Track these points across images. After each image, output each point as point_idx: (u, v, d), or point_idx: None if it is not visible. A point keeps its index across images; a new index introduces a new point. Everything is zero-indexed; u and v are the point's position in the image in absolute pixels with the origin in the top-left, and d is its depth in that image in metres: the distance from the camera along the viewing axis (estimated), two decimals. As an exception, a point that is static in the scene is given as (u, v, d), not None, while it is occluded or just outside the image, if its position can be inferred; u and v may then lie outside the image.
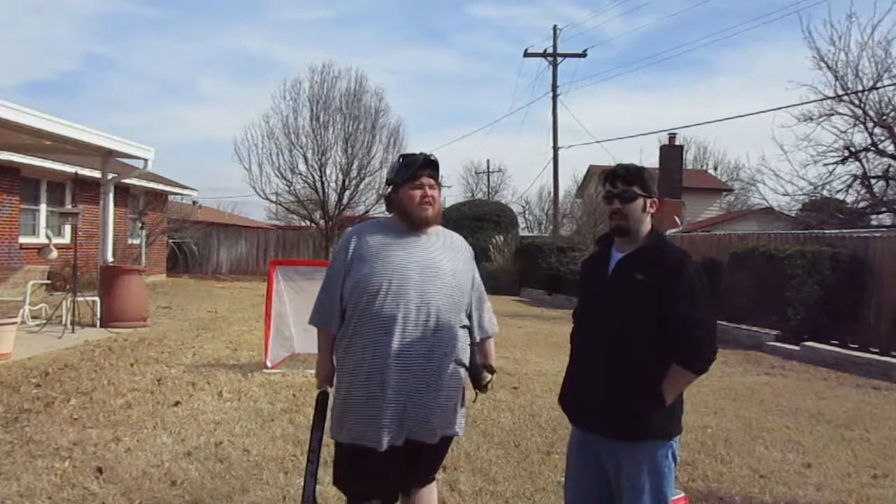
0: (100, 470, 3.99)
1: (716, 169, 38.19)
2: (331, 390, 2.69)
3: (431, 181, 2.57)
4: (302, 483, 2.76)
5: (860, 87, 12.60)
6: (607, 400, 2.31)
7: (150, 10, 77.51)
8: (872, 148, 12.97)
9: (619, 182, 2.38)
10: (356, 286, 2.51)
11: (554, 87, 25.44)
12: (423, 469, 2.69)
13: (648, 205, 2.38)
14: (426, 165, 2.57)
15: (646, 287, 2.27)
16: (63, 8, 71.55)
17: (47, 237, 13.54)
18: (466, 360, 2.62)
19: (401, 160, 2.63)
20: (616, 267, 2.38)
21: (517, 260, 21.47)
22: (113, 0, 74.46)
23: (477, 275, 2.76)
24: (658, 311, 2.25)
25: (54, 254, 11.75)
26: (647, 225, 2.39)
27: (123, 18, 74.17)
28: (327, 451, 3.08)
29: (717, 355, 2.29)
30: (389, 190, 2.65)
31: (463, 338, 2.61)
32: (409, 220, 2.57)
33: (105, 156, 10.77)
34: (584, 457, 2.44)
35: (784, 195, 14.79)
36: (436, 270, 2.53)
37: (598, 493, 2.39)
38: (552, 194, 26.85)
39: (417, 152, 2.64)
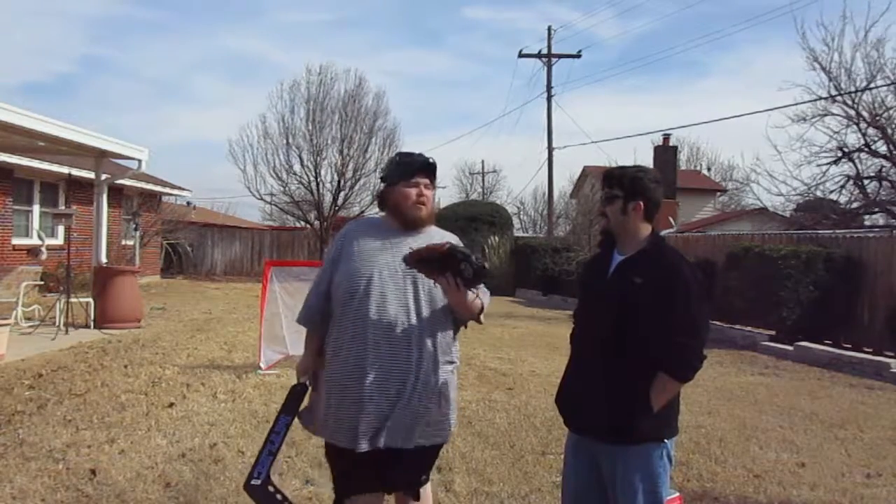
0: (93, 472, 3.98)
1: (709, 170, 38.31)
2: (309, 385, 2.67)
3: (427, 181, 2.54)
4: (268, 466, 2.67)
5: (853, 88, 12.67)
6: (600, 402, 2.31)
7: (147, 11, 77.29)
8: (865, 148, 13.03)
9: (604, 184, 2.44)
10: (339, 285, 2.49)
11: (548, 87, 25.45)
12: (410, 473, 2.60)
13: (630, 207, 2.37)
14: (424, 169, 2.54)
15: (643, 291, 2.27)
16: (61, 10, 71.29)
17: (39, 238, 13.50)
18: (456, 358, 2.57)
19: (397, 158, 2.60)
20: (616, 269, 2.39)
21: (512, 260, 21.49)
22: (110, 2, 74.21)
23: None
24: (653, 316, 2.25)
25: (44, 255, 11.72)
26: (640, 227, 2.39)
27: (120, 20, 73.77)
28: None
29: (702, 363, 2.28)
30: (383, 187, 2.61)
31: (449, 340, 2.56)
32: (402, 219, 2.53)
33: (98, 156, 10.72)
34: (579, 457, 2.44)
35: (778, 195, 14.89)
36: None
37: (594, 494, 2.40)
38: (547, 195, 26.84)
39: (416, 152, 2.59)
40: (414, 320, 2.44)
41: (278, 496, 2.66)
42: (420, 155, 2.58)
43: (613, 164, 2.61)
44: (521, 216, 44.96)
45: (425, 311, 2.46)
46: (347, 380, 2.43)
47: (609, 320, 2.32)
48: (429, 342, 2.45)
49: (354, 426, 2.40)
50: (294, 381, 2.78)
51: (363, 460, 2.43)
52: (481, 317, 2.52)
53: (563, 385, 2.53)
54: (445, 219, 21.97)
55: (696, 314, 2.26)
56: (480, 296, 2.46)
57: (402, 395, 2.41)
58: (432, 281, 2.39)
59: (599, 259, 2.52)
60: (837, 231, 11.82)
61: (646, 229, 2.39)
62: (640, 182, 2.38)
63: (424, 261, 2.32)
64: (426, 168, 2.54)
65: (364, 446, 2.40)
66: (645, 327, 2.26)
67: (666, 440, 2.32)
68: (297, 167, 22.11)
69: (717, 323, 11.66)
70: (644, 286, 2.27)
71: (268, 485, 2.64)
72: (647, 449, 2.28)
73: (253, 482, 2.62)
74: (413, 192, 2.51)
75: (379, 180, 2.72)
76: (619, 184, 2.38)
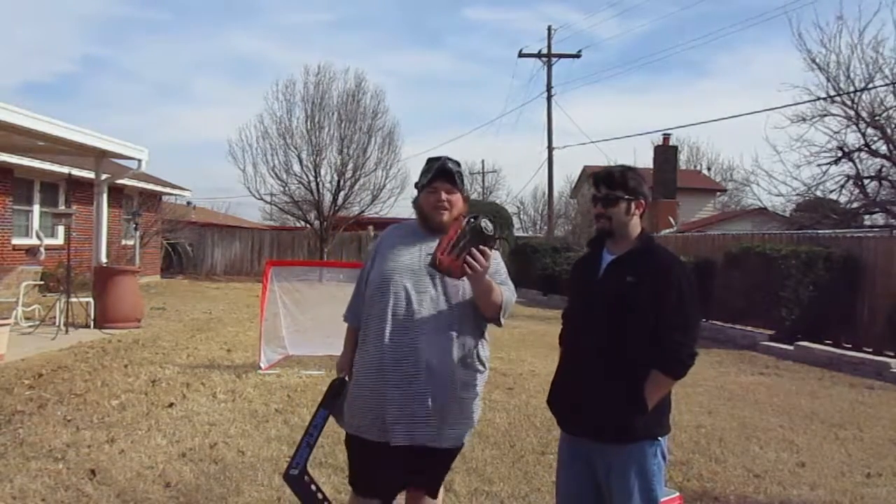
0: (93, 472, 3.98)
1: (709, 170, 38.31)
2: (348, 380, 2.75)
3: (448, 186, 2.59)
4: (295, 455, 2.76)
5: (852, 88, 12.67)
6: (594, 402, 2.31)
7: (147, 12, 77.28)
8: (865, 148, 13.02)
9: (602, 185, 2.41)
10: (369, 284, 2.61)
11: (548, 87, 25.44)
12: (428, 472, 2.66)
13: (633, 207, 2.38)
14: (440, 174, 2.59)
15: (636, 290, 2.27)
16: (61, 10, 71.28)
17: (38, 238, 13.50)
18: (479, 363, 2.59)
19: (425, 165, 2.67)
20: (607, 269, 2.39)
21: (512, 260, 21.45)
22: (110, 2, 74.22)
23: (500, 272, 2.64)
24: (647, 314, 2.26)
25: (43, 255, 11.72)
26: (635, 227, 2.40)
27: (120, 20, 73.89)
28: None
29: (694, 360, 2.29)
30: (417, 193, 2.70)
31: (475, 342, 2.58)
32: (425, 224, 2.63)
33: (99, 156, 10.73)
34: (573, 457, 2.44)
35: (778, 195, 14.90)
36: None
37: (589, 495, 2.40)
38: (547, 195, 26.83)
39: (441, 157, 2.64)
40: (437, 322, 2.48)
41: (313, 487, 2.75)
42: (441, 160, 2.62)
43: (613, 164, 2.59)
44: (521, 216, 45.06)
45: (450, 312, 2.51)
46: (370, 375, 2.51)
47: (601, 319, 2.32)
48: (450, 343, 2.50)
49: (379, 421, 2.47)
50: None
51: (382, 453, 2.48)
52: (502, 318, 2.57)
53: (555, 386, 2.52)
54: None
55: (688, 312, 2.29)
56: (503, 290, 2.52)
57: (424, 392, 2.45)
58: (460, 281, 2.43)
59: (589, 259, 2.52)
60: (837, 231, 11.81)
61: (638, 228, 2.41)
62: (639, 182, 2.41)
63: (451, 247, 2.33)
64: (443, 174, 2.59)
65: (375, 437, 2.47)
66: (637, 325, 2.26)
67: (659, 438, 2.32)
68: (296, 167, 22.09)
69: (718, 323, 11.66)
70: (636, 285, 2.27)
71: (304, 475, 2.73)
72: (641, 447, 2.29)
73: (291, 472, 2.73)
74: (433, 198, 2.58)
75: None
76: (621, 185, 2.38)
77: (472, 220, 2.32)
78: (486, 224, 2.29)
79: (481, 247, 2.30)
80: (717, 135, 77.75)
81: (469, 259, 2.30)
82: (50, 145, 10.20)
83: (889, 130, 12.54)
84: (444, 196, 2.57)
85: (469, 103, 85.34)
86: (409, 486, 2.68)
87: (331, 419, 2.77)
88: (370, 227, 22.63)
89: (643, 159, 39.47)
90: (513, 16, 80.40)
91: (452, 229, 2.40)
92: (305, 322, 7.96)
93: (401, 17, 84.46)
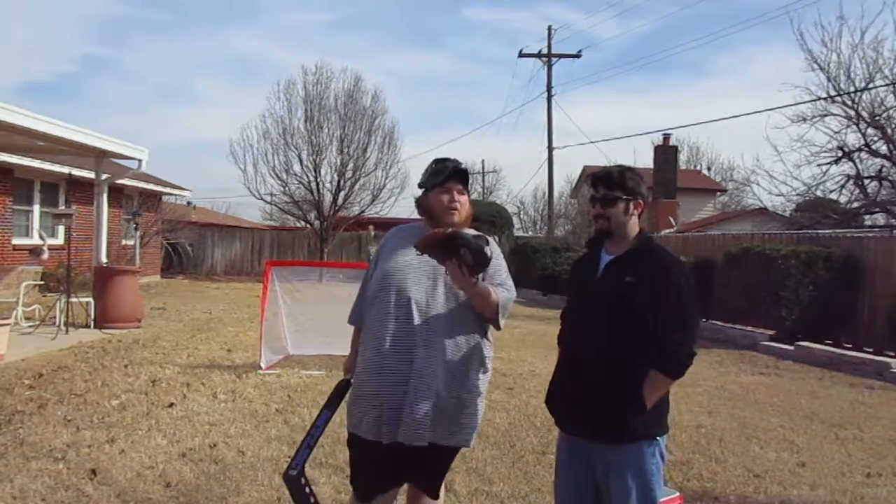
0: (94, 472, 3.98)
1: (709, 170, 38.31)
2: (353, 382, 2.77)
3: (460, 187, 2.63)
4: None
5: (853, 88, 12.68)
6: (593, 402, 2.31)
7: (148, 12, 77.31)
8: (865, 148, 13.03)
9: (600, 186, 2.42)
10: (371, 285, 2.63)
11: (549, 87, 25.45)
12: (426, 471, 2.66)
13: (631, 207, 2.39)
14: (455, 175, 2.63)
15: (635, 290, 2.28)
16: (61, 10, 71.31)
17: (40, 238, 13.50)
18: (480, 364, 2.58)
19: (432, 165, 2.69)
20: (606, 269, 2.39)
21: (512, 260, 21.41)
22: (110, 2, 74.26)
23: (500, 271, 2.65)
24: (646, 314, 2.26)
25: (46, 254, 11.72)
26: (634, 227, 2.40)
27: (121, 21, 73.91)
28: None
29: (692, 360, 2.30)
30: (421, 193, 2.70)
31: (476, 344, 2.57)
32: (436, 224, 2.61)
33: (99, 156, 10.72)
34: (571, 457, 2.44)
35: (778, 195, 14.91)
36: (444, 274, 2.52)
37: (587, 495, 2.40)
38: (547, 194, 26.85)
39: (450, 158, 2.68)
40: (436, 321, 2.49)
41: (307, 489, 2.75)
42: (452, 161, 2.67)
43: (613, 165, 2.59)
44: (521, 216, 45.07)
45: (451, 313, 2.52)
46: (370, 374, 2.53)
47: (600, 320, 2.32)
48: (449, 342, 2.50)
49: (379, 420, 2.48)
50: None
51: (381, 453, 2.50)
52: (501, 321, 2.57)
53: (554, 386, 2.52)
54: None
55: (687, 312, 2.29)
56: (497, 292, 2.51)
57: (423, 392, 2.45)
58: (444, 269, 2.45)
59: (587, 259, 2.53)
60: (837, 231, 11.82)
61: (637, 228, 2.42)
62: (638, 182, 2.42)
63: (431, 245, 2.39)
64: (457, 174, 2.63)
65: (373, 436, 2.48)
66: (636, 325, 2.27)
67: (658, 438, 2.33)
68: (296, 167, 22.10)
69: (718, 323, 11.66)
70: (635, 285, 2.28)
71: (301, 477, 2.74)
72: (640, 447, 2.29)
73: (290, 472, 2.74)
74: (445, 197, 2.61)
75: (417, 185, 2.79)
76: (620, 185, 2.39)
77: (478, 240, 2.36)
78: (465, 254, 2.33)
79: (464, 266, 2.35)
80: (718, 135, 77.94)
81: (447, 263, 2.37)
82: (50, 145, 10.20)
83: (889, 130, 12.54)
84: (456, 196, 2.61)
85: (469, 103, 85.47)
86: (409, 485, 2.68)
87: (334, 419, 2.77)
88: (370, 227, 22.66)
89: (643, 159, 39.46)
90: (513, 16, 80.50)
91: (443, 230, 2.43)
92: (306, 322, 7.97)
93: (401, 17, 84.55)
